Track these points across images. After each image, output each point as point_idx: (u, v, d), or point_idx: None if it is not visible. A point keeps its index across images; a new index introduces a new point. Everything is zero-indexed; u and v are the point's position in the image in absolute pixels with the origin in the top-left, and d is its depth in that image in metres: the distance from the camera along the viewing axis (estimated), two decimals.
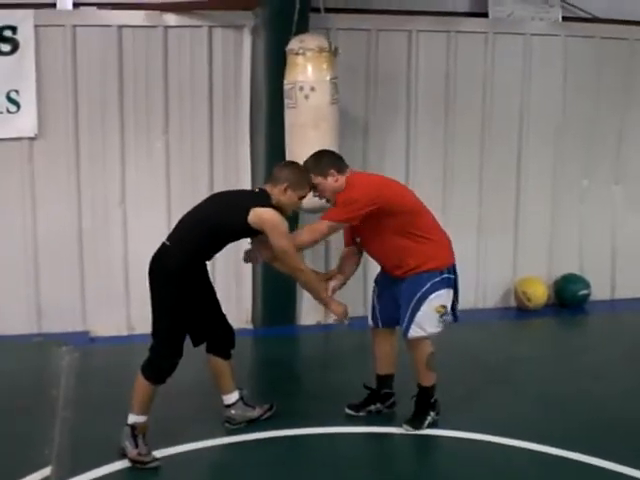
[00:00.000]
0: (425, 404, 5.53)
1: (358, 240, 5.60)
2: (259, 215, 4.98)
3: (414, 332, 5.32)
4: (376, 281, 5.78)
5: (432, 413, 5.52)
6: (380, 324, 5.66)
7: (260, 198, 5.11)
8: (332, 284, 5.51)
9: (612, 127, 9.04)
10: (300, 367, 7.37)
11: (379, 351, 5.73)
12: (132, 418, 5.06)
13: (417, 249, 5.37)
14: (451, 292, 5.45)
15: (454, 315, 5.53)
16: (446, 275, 5.42)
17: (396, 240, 5.35)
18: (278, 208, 5.13)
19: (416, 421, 5.50)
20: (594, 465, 4.92)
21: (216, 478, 4.96)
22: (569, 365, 7.03)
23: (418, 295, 5.31)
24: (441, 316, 5.36)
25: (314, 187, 5.31)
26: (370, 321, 5.74)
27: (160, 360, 5.03)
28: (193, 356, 5.21)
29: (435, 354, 5.46)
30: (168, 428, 5.15)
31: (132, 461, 4.94)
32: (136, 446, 4.97)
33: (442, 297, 5.38)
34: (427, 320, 5.31)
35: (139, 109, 7.73)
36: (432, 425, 5.49)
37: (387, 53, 8.28)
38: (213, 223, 5.08)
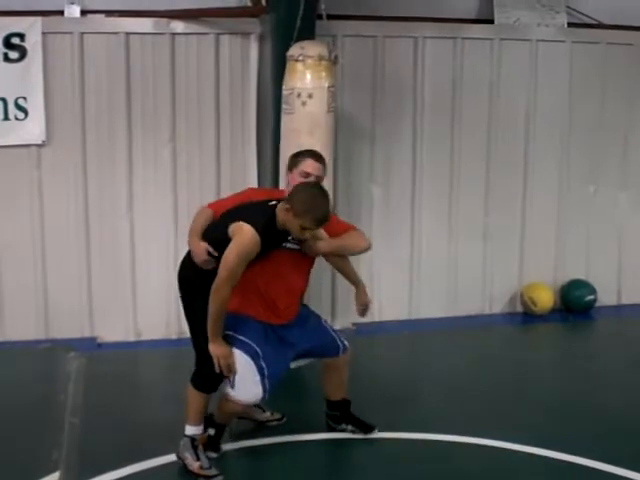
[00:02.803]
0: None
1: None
2: (236, 227, 4.75)
3: (347, 343, 5.45)
4: (258, 347, 5.06)
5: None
6: (268, 391, 5.06)
7: (258, 213, 4.87)
8: None
9: (618, 133, 9.04)
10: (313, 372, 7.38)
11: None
12: (190, 430, 5.04)
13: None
14: None
15: None
16: None
17: (306, 277, 5.42)
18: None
19: (366, 426, 5.59)
20: (600, 470, 4.94)
21: None
22: (575, 371, 7.04)
23: (320, 317, 5.54)
24: None
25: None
26: (260, 392, 5.03)
27: (206, 369, 4.94)
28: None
29: None
30: (175, 431, 5.16)
31: (195, 474, 4.93)
32: (197, 459, 4.95)
33: None
34: None
35: (146, 116, 7.75)
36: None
37: (393, 60, 8.29)
38: (210, 237, 4.96)
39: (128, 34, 7.60)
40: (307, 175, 5.15)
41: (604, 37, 8.82)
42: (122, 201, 7.81)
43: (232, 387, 4.95)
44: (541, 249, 9.00)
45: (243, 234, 4.71)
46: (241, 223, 4.76)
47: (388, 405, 6.06)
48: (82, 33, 7.52)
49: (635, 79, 8.99)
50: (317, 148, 6.49)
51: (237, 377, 4.93)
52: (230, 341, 4.95)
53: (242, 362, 4.94)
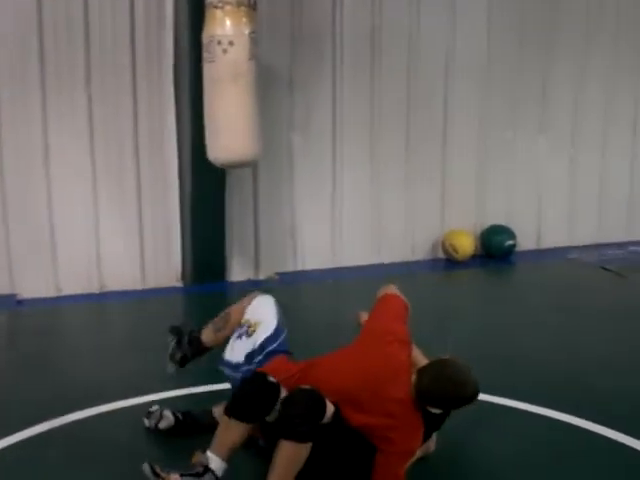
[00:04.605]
0: None
1: None
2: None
3: None
4: None
5: None
6: None
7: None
8: None
9: (536, 76, 9.22)
10: None
11: None
12: None
13: None
14: None
15: None
16: None
17: None
18: None
19: None
20: (524, 410, 5.03)
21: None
22: (496, 315, 7.15)
23: None
24: None
25: None
26: None
27: None
28: None
29: None
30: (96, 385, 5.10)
31: None
32: None
33: None
34: None
35: (60, 64, 7.48)
36: None
37: (312, 7, 8.22)
38: None
39: None
40: None
41: None
42: (38, 151, 7.56)
43: None
44: (462, 196, 9.13)
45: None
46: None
47: (312, 353, 6.05)
48: None
49: (552, 24, 9.14)
50: (242, 97, 6.42)
51: None
52: None
53: None
